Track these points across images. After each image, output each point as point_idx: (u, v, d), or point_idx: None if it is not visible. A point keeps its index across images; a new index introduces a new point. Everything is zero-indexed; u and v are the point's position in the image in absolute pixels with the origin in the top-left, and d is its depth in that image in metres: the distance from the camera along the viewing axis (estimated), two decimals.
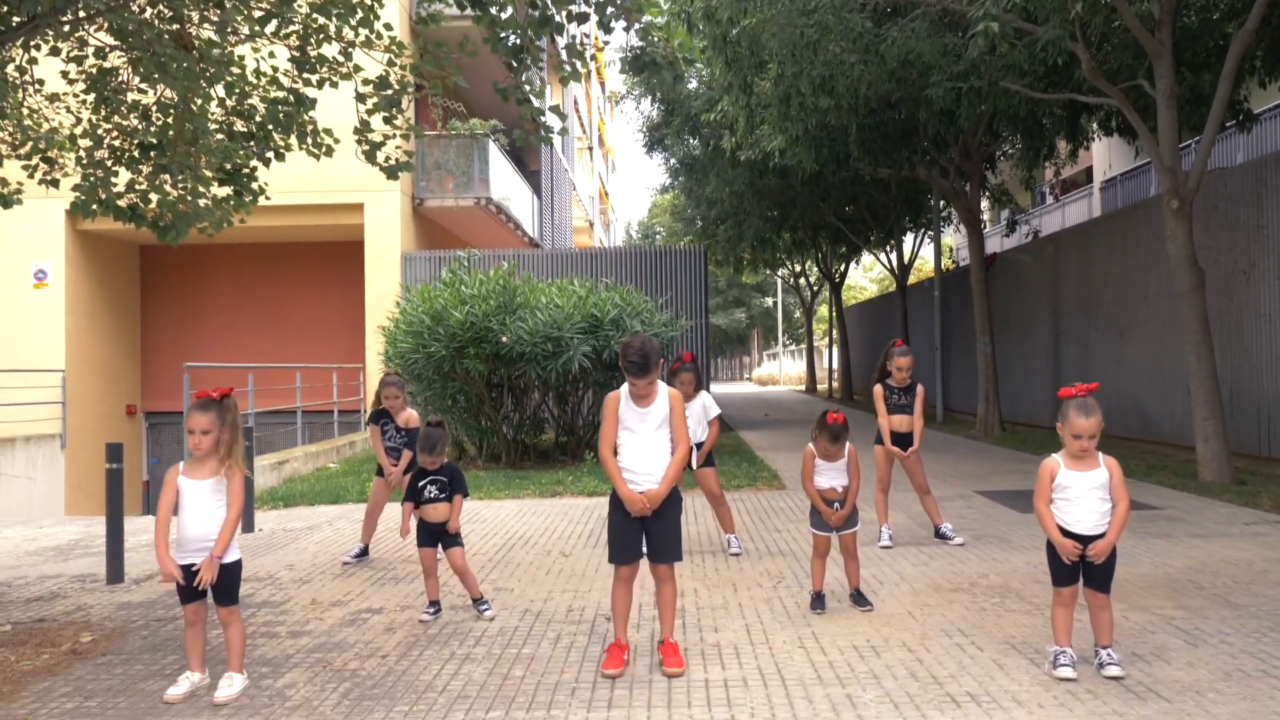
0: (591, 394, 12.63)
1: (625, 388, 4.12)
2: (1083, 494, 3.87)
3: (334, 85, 6.75)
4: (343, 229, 17.82)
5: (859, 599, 4.99)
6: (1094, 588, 3.93)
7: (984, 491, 9.06)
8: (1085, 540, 3.87)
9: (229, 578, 3.91)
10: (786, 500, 8.98)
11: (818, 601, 4.96)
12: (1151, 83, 9.67)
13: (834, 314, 33.49)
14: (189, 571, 3.82)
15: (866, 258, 43.94)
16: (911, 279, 24.91)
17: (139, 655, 4.47)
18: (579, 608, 5.18)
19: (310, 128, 6.92)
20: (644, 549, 4.09)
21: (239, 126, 6.71)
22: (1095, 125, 13.42)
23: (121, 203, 6.53)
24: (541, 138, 6.13)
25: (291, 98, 6.69)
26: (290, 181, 17.13)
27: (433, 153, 18.20)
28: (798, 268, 36.02)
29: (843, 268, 31.48)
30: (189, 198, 6.55)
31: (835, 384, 34.03)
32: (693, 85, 17.88)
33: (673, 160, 22.27)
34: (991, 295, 16.80)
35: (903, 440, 6.55)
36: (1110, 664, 3.85)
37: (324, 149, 6.87)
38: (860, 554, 5.14)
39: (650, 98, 18.08)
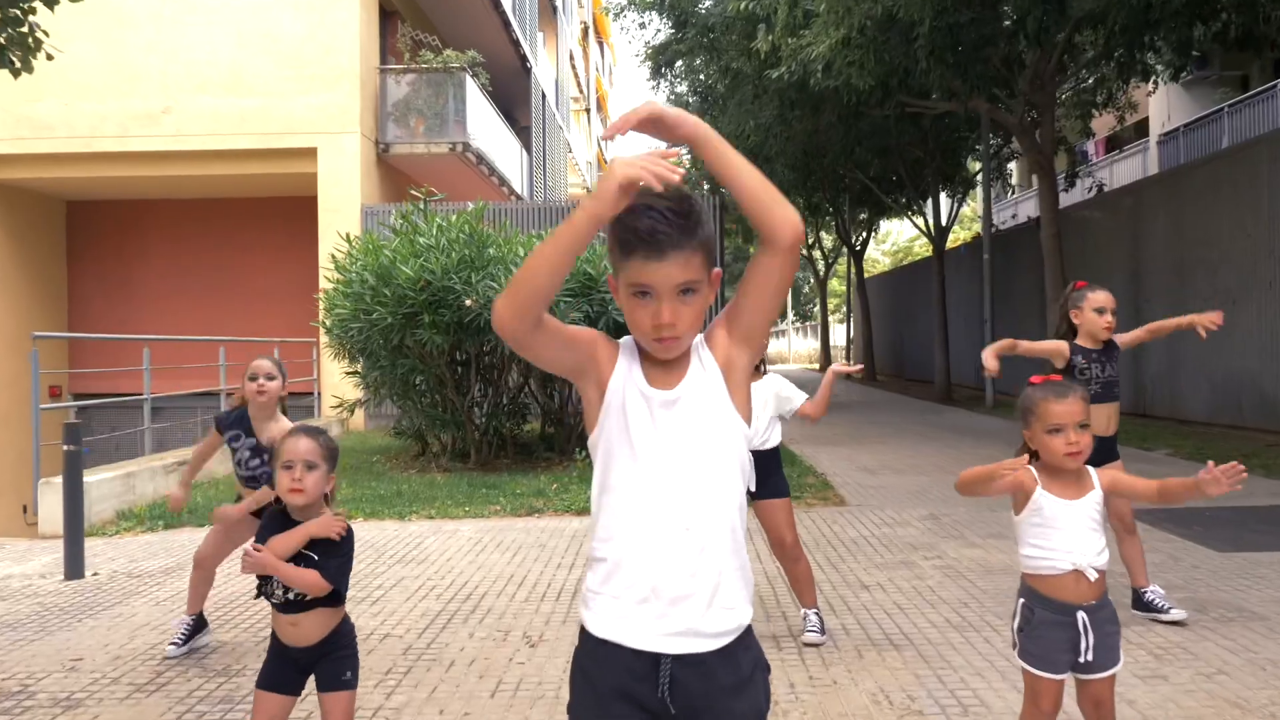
0: None
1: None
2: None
3: None
4: (296, 180, 15.10)
5: None
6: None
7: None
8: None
9: None
10: (857, 526, 6.40)
11: None
12: None
13: (852, 283, 30.85)
14: None
15: (882, 228, 41.24)
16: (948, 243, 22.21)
17: None
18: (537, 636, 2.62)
19: None
20: None
21: None
22: (1209, 34, 10.72)
23: None
24: None
25: None
26: (231, 123, 14.46)
27: (399, 90, 15.49)
28: (811, 238, 33.29)
29: (864, 235, 28.81)
30: None
31: (852, 362, 31.40)
32: (707, 2, 14.97)
33: (682, 87, 19.29)
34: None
35: (1105, 447, 3.95)
36: None
37: None
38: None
39: (658, 8, 15.19)
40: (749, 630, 1.56)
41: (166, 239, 17.10)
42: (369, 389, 10.04)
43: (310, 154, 14.54)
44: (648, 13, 16.11)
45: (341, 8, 14.45)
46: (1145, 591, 4.11)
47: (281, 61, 14.43)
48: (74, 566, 5.45)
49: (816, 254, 34.65)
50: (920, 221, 21.63)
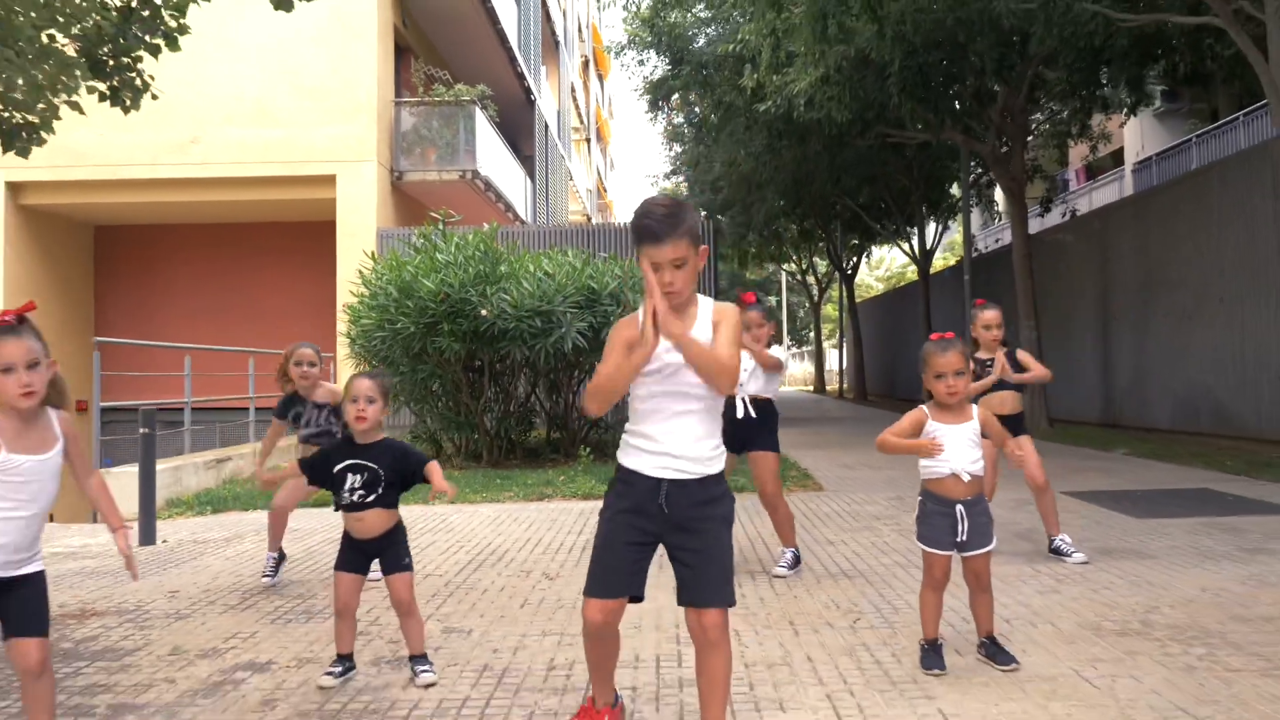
0: (588, 381, 10.88)
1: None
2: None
3: None
4: (315, 205, 16.05)
5: (995, 651, 3.27)
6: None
7: (1075, 493, 7.32)
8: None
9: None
10: (831, 504, 7.25)
11: (932, 656, 3.23)
12: (1259, 6, 7.99)
13: (844, 307, 31.78)
14: None
15: (875, 254, 42.26)
16: (932, 268, 23.15)
17: None
18: (565, 663, 3.45)
19: None
20: (642, 587, 2.52)
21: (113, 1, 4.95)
22: (1157, 73, 11.69)
23: None
24: None
25: None
26: (255, 152, 15.44)
27: (414, 122, 16.47)
28: (804, 263, 34.27)
29: (854, 260, 29.78)
30: (48, 95, 4.78)
31: (846, 384, 32.26)
32: (701, 41, 16.03)
33: (678, 120, 20.33)
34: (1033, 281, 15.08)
35: (1008, 423, 4.80)
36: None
37: None
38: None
39: (655, 47, 16.24)
40: (720, 475, 2.43)
41: (190, 260, 17.99)
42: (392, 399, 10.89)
43: (329, 181, 15.48)
44: (646, 51, 17.17)
45: (360, 45, 15.45)
46: (1055, 539, 4.96)
47: (304, 95, 15.41)
48: (147, 535, 6.28)
49: (811, 279, 35.59)
50: (907, 246, 22.59)
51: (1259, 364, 10.98)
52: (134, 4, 5.07)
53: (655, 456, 2.40)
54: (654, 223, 2.33)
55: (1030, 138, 17.33)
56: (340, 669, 3.27)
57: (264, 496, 8.16)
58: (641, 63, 17.93)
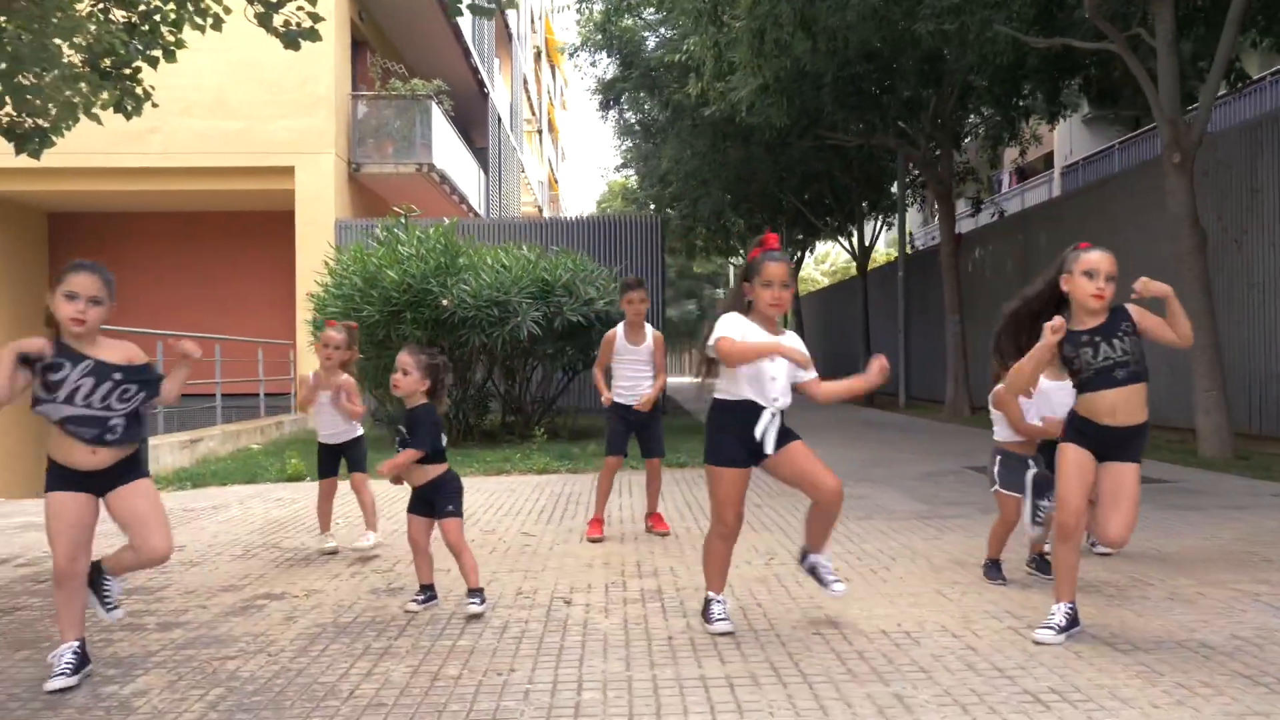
0: (542, 368, 11.59)
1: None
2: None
3: None
4: (272, 195, 16.48)
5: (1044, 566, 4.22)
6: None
7: (977, 468, 8.25)
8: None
9: None
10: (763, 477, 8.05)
11: (994, 569, 4.23)
12: (1150, 31, 8.97)
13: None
14: None
15: (820, 249, 43.39)
16: (870, 265, 24.20)
17: None
18: (530, 590, 4.20)
19: None
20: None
21: (117, 14, 5.54)
22: (1075, 86, 12.74)
23: None
24: (488, 9, 5.08)
25: None
26: (216, 143, 15.81)
27: (371, 115, 16.96)
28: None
29: (799, 255, 30.76)
30: (58, 99, 5.35)
31: None
32: (651, 44, 16.81)
33: (629, 117, 21.08)
34: (959, 277, 16.13)
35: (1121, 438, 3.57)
36: None
37: (210, 20, 5.69)
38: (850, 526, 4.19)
39: (607, 50, 16.97)
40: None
41: (147, 250, 18.23)
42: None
43: (288, 172, 15.92)
44: (599, 53, 17.88)
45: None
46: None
47: (262, 87, 15.81)
48: None
49: None
50: (847, 243, 23.59)
51: (1154, 358, 12.08)
52: (135, 20, 5.65)
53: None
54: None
55: (965, 140, 18.40)
56: (423, 597, 3.93)
57: (239, 473, 8.76)
58: (594, 64, 18.65)
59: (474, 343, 10.34)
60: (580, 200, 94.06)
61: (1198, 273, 8.65)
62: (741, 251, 34.66)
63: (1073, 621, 3.26)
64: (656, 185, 24.23)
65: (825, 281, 48.03)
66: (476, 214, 21.97)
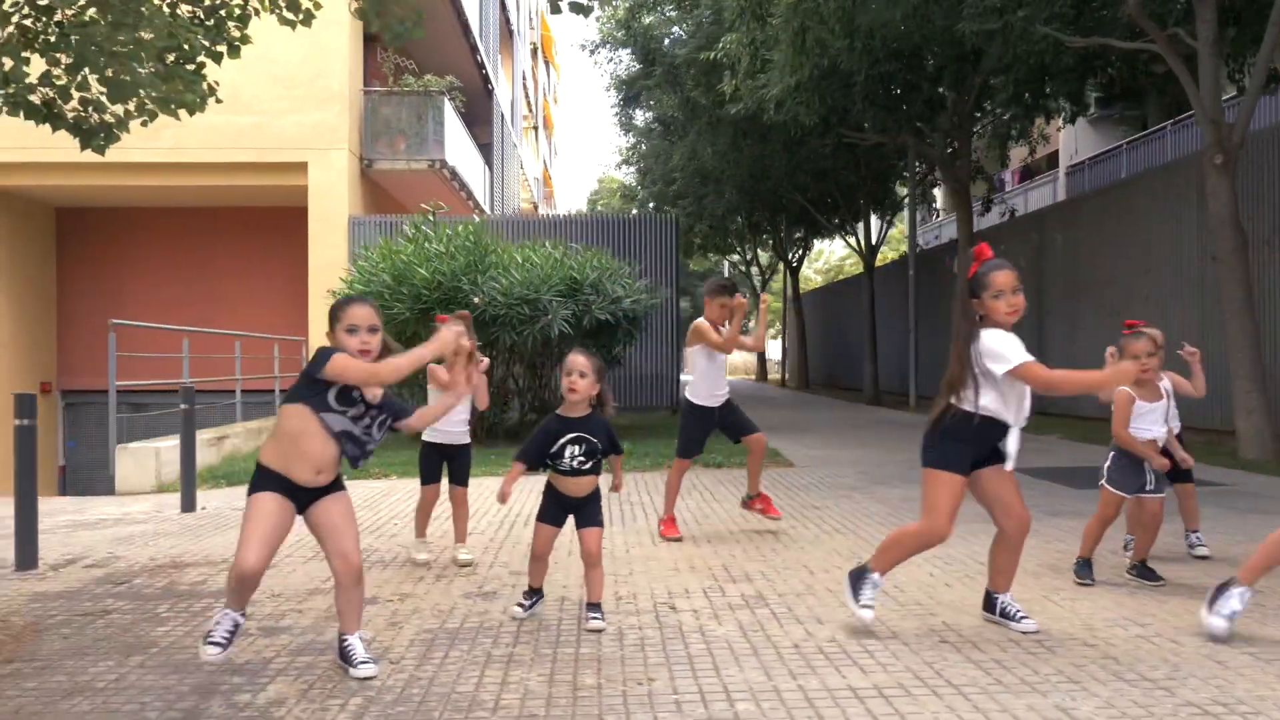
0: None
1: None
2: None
3: None
4: (284, 191, 16.32)
5: (1146, 572, 4.31)
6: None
7: (1021, 470, 8.21)
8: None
9: None
10: (802, 477, 8.03)
11: (1085, 569, 4.32)
12: (1190, 33, 8.97)
13: (788, 298, 32.81)
14: None
15: (815, 248, 43.36)
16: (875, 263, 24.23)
17: (59, 662, 3.29)
18: (628, 595, 4.14)
19: None
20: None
21: (184, 9, 5.43)
22: (1094, 85, 12.76)
23: (34, 97, 5.21)
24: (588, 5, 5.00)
25: None
26: (228, 138, 15.62)
27: (383, 110, 16.81)
28: (749, 255, 35.26)
29: (799, 252, 30.79)
30: (123, 95, 5.23)
31: (786, 373, 33.35)
32: (676, 31, 16.70)
33: (649, 115, 21.01)
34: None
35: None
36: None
37: (302, 16, 5.60)
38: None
39: (632, 47, 16.90)
40: None
41: (156, 245, 18.03)
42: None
43: (301, 168, 15.76)
44: (619, 50, 17.80)
45: (332, 34, 15.72)
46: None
47: (276, 83, 15.64)
48: (188, 502, 6.76)
49: (754, 270, 36.57)
50: (852, 241, 23.61)
51: (1178, 357, 12.10)
52: (200, 15, 5.54)
53: None
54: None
55: (973, 139, 18.42)
56: (529, 601, 3.84)
57: None
58: (613, 61, 18.58)
59: (504, 341, 10.25)
60: (572, 197, 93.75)
61: (1240, 275, 8.67)
62: (738, 248, 34.68)
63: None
64: (659, 183, 24.18)
65: (819, 280, 48.11)
66: (483, 210, 21.85)
